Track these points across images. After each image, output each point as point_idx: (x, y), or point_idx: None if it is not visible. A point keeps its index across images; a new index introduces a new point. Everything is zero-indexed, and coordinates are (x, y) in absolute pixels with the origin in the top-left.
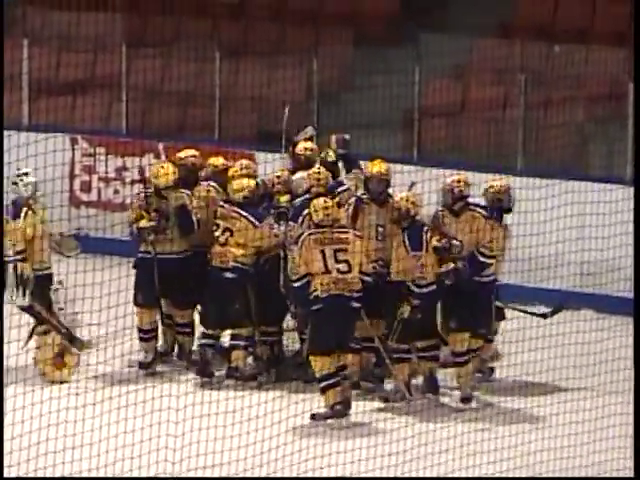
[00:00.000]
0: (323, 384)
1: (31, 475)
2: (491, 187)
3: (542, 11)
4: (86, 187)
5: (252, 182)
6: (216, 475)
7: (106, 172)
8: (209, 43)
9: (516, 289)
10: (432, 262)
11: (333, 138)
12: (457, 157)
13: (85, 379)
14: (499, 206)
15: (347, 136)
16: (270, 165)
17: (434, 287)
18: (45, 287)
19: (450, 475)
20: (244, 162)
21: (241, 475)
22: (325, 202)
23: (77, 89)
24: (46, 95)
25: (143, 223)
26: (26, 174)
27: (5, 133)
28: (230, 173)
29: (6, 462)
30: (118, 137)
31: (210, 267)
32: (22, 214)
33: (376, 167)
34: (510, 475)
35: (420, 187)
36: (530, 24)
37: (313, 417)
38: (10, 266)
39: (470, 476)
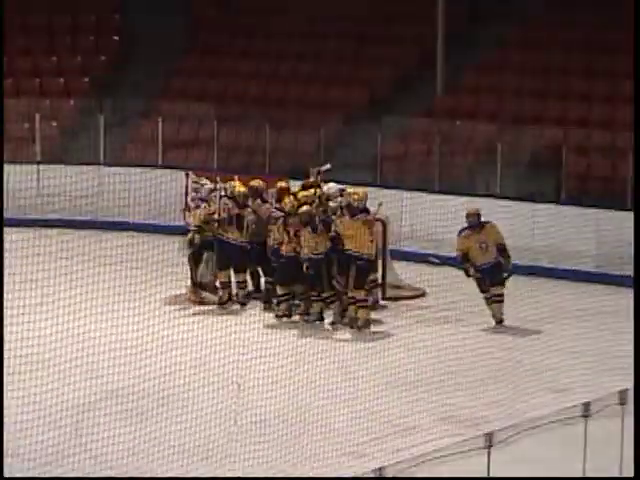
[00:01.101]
0: (278, 299)
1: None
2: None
3: (458, 100)
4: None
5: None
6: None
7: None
8: (263, 124)
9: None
10: (324, 241)
11: (313, 170)
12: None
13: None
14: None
15: (324, 167)
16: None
17: (322, 256)
18: (205, 249)
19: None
20: (279, 184)
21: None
22: (291, 200)
23: (188, 146)
24: (172, 148)
25: (215, 217)
26: (198, 182)
27: (144, 170)
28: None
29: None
30: (212, 171)
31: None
32: (199, 205)
33: (353, 191)
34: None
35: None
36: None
37: (277, 316)
38: (189, 235)
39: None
